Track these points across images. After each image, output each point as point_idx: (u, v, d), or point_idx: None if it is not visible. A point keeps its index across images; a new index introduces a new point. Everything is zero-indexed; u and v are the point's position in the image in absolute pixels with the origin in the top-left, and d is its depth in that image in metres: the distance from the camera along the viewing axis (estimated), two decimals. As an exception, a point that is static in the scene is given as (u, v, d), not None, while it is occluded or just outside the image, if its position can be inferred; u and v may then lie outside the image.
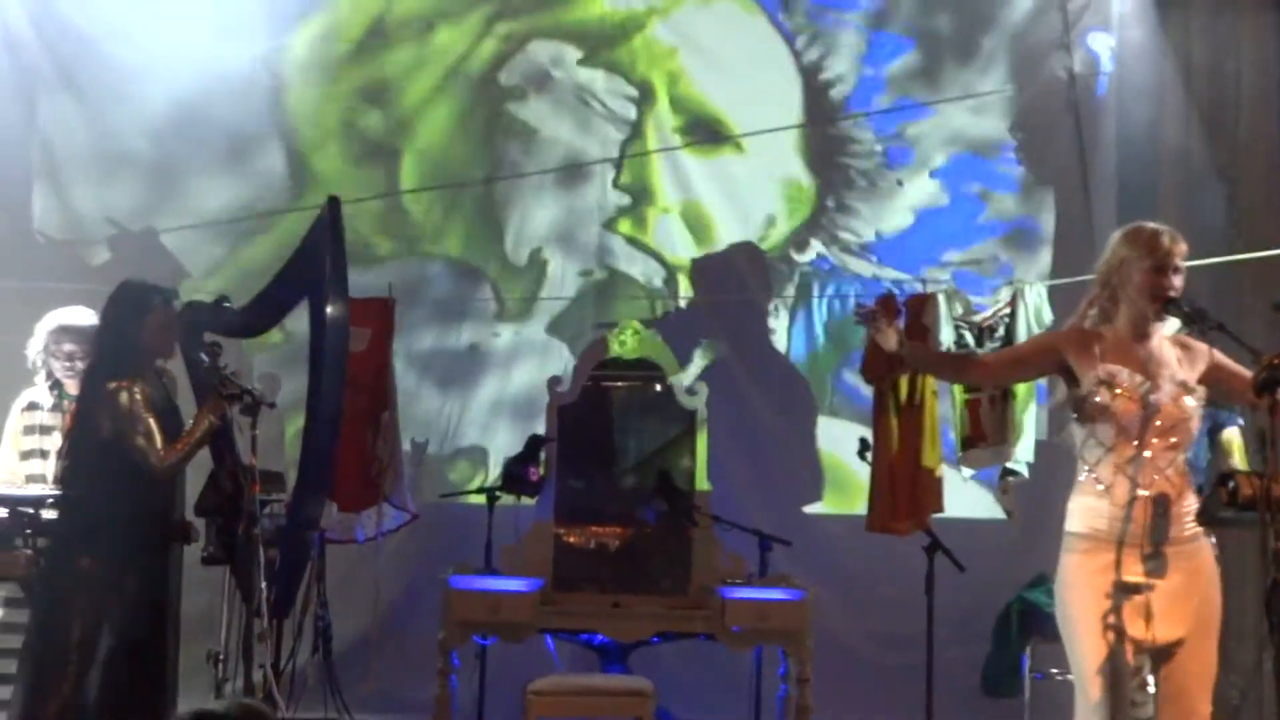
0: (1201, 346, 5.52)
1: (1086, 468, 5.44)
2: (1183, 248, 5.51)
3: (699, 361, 10.00)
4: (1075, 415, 5.48)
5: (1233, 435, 7.25)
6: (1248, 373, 5.40)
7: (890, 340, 5.52)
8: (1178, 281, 5.47)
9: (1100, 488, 5.37)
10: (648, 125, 10.52)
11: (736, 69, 10.57)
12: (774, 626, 7.82)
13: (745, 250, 10.50)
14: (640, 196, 10.50)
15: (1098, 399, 5.39)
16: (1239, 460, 7.24)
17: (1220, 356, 5.53)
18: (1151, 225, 5.58)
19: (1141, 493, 5.31)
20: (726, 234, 10.50)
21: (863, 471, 8.40)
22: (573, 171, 10.37)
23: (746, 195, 10.52)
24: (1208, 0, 9.78)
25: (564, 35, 10.56)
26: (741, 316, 10.41)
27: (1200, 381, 5.47)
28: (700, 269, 10.47)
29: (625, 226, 10.49)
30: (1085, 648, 5.34)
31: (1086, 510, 5.39)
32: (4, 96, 10.04)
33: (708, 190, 10.50)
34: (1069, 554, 5.44)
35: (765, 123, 10.24)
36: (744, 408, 9.84)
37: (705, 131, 10.46)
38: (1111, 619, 5.29)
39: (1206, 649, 5.39)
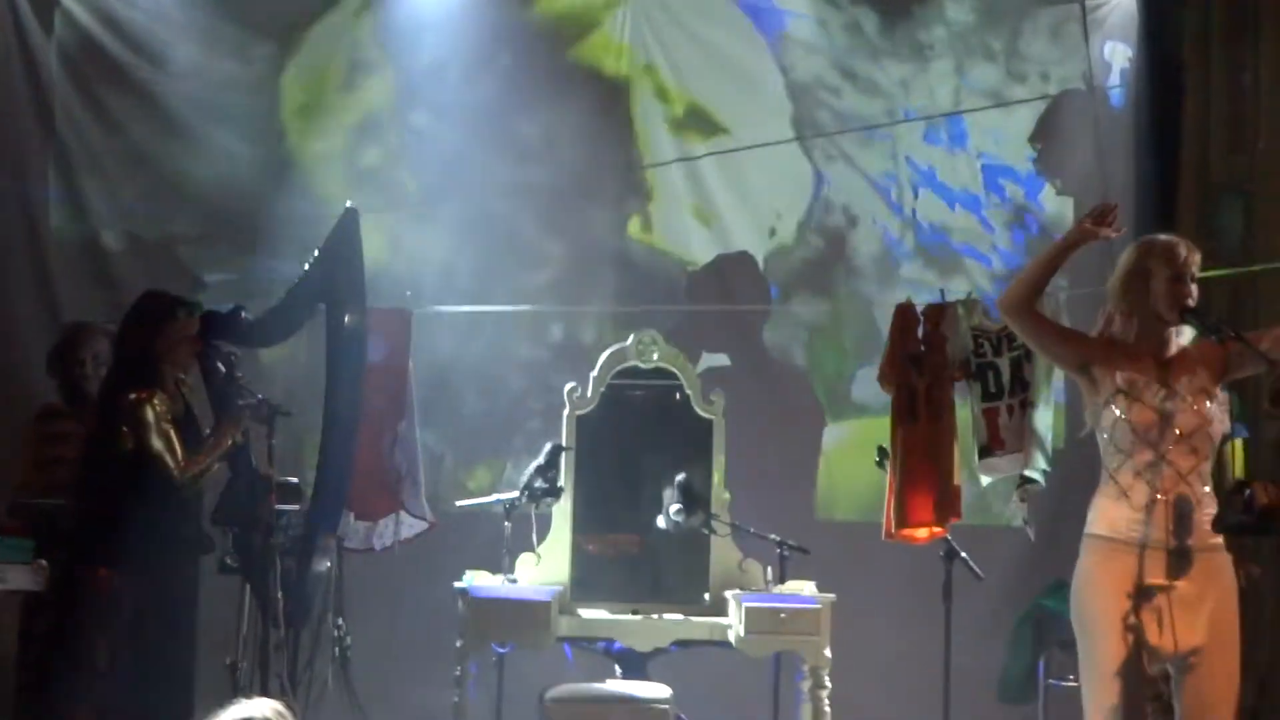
0: (1215, 348, 5.55)
1: (1106, 472, 5.46)
2: (1197, 257, 5.56)
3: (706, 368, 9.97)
4: (1094, 423, 5.50)
5: (1235, 446, 7.25)
6: (1266, 335, 5.52)
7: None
8: (1194, 290, 5.51)
9: (1119, 492, 5.39)
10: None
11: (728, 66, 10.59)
12: (792, 634, 7.82)
13: (744, 257, 10.50)
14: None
15: (1115, 409, 5.42)
16: (1239, 471, 7.25)
17: (1229, 351, 5.56)
18: (1166, 236, 5.63)
19: (1160, 497, 5.33)
20: (731, 239, 10.52)
21: (880, 480, 8.40)
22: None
23: (753, 197, 10.52)
24: (1227, 13, 9.76)
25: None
26: (746, 324, 10.39)
27: (1223, 377, 5.51)
28: (702, 276, 10.46)
29: (636, 230, 10.51)
30: (1102, 650, 5.36)
31: (1106, 513, 5.43)
32: (20, 102, 10.05)
33: (714, 191, 10.51)
34: (1088, 555, 5.48)
35: (762, 123, 10.25)
36: (756, 416, 9.83)
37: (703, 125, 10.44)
38: (1131, 620, 5.31)
39: (1227, 661, 5.40)
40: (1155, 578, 5.34)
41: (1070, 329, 5.70)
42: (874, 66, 10.56)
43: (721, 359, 10.35)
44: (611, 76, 10.48)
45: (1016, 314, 5.64)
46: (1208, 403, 5.48)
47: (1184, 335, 5.59)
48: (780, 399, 10.35)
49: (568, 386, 8.52)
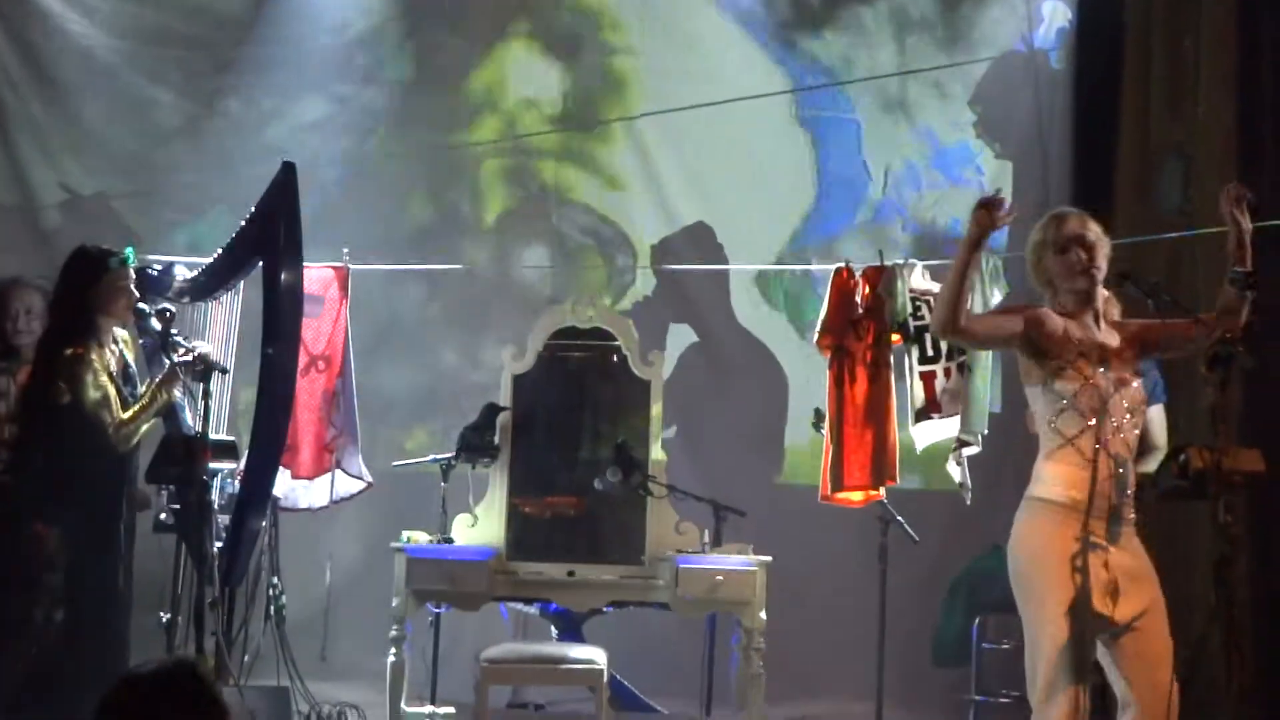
0: (1129, 322, 5.65)
1: (1057, 438, 5.48)
2: (1094, 226, 5.60)
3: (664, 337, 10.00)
4: (1045, 389, 5.52)
5: (1157, 413, 7.31)
6: (1175, 321, 5.59)
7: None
8: (1099, 260, 5.54)
9: (1082, 459, 5.42)
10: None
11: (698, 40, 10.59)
12: (727, 596, 7.82)
13: (702, 227, 10.50)
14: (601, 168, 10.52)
15: (1062, 380, 5.46)
16: (1162, 438, 7.32)
17: (1144, 321, 5.65)
18: (1060, 209, 5.72)
19: (1108, 464, 5.39)
20: (687, 211, 10.52)
21: (817, 443, 8.42)
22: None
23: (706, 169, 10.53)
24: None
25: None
26: (701, 291, 10.40)
27: (1147, 351, 5.59)
28: (662, 248, 10.47)
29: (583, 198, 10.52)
30: (1052, 600, 5.39)
31: (1066, 478, 5.45)
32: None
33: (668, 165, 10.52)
34: (1038, 519, 5.49)
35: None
36: (701, 379, 9.85)
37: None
38: (1078, 564, 5.36)
39: (1163, 624, 5.49)
40: (1100, 539, 5.40)
41: (1004, 316, 5.70)
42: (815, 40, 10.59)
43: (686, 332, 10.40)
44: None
45: (953, 332, 5.69)
46: (1136, 372, 5.56)
47: (1107, 305, 5.66)
48: (727, 362, 10.38)
49: (505, 347, 8.50)
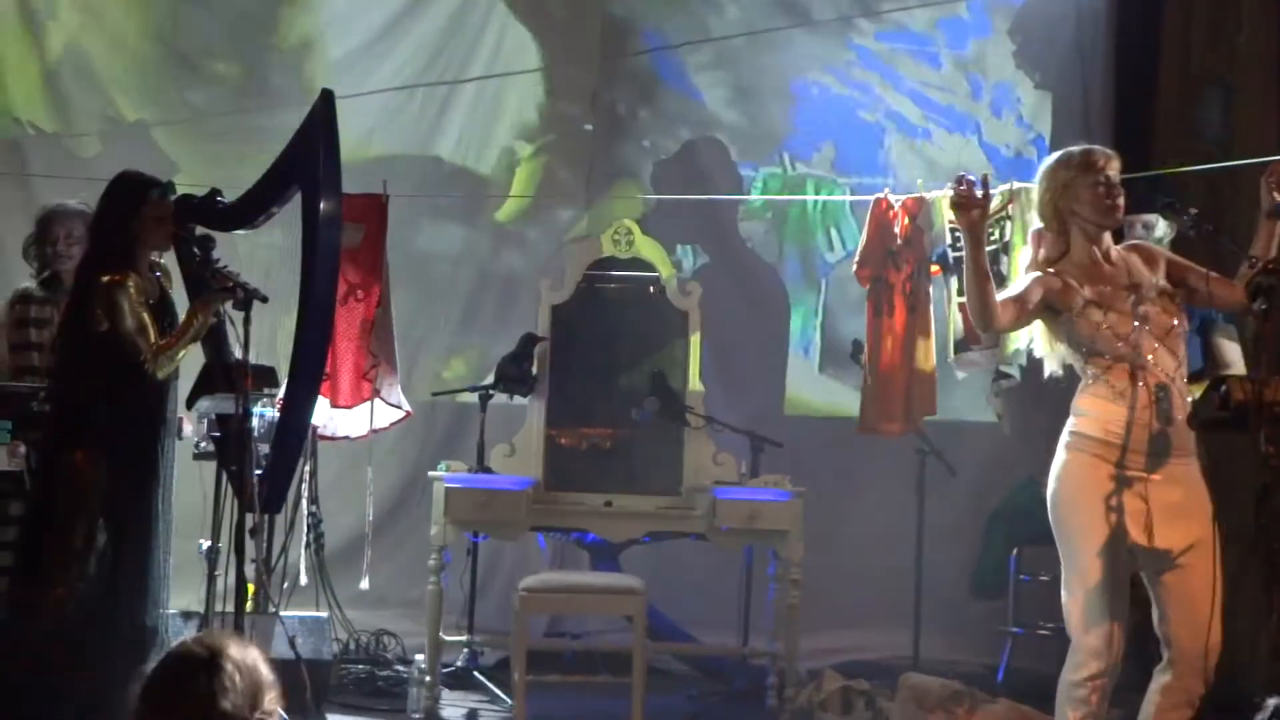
0: (1155, 249, 5.65)
1: (1095, 371, 5.47)
2: (1117, 163, 5.60)
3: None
4: (1068, 339, 5.52)
5: (1225, 334, 7.24)
6: (1201, 270, 5.56)
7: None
8: (1119, 194, 5.54)
9: (1116, 392, 5.41)
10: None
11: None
12: (764, 527, 7.84)
13: (714, 148, 10.46)
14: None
15: (1090, 317, 5.44)
16: (1231, 355, 7.23)
17: (1173, 255, 5.65)
18: (1081, 146, 5.68)
19: (1158, 396, 5.37)
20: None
21: (855, 373, 8.42)
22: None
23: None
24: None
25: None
26: (717, 217, 10.35)
27: (1172, 279, 5.57)
28: (669, 169, 10.44)
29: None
30: (1085, 533, 5.41)
31: (1100, 412, 5.44)
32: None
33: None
34: (1078, 453, 5.49)
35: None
36: (731, 309, 9.83)
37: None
38: (1114, 501, 5.36)
39: (1206, 561, 5.43)
40: (1139, 472, 5.39)
41: (1026, 292, 5.64)
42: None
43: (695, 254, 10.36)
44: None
45: (995, 328, 5.70)
46: (1172, 302, 5.54)
47: (1159, 230, 5.64)
48: (752, 291, 10.34)
49: (543, 277, 8.50)
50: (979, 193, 5.45)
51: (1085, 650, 5.42)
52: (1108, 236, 5.60)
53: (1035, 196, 5.72)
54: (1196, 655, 5.41)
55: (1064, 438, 5.57)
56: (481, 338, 9.97)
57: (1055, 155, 5.70)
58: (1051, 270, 5.57)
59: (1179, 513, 5.43)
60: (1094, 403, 5.49)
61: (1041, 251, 5.64)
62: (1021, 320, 5.67)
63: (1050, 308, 5.54)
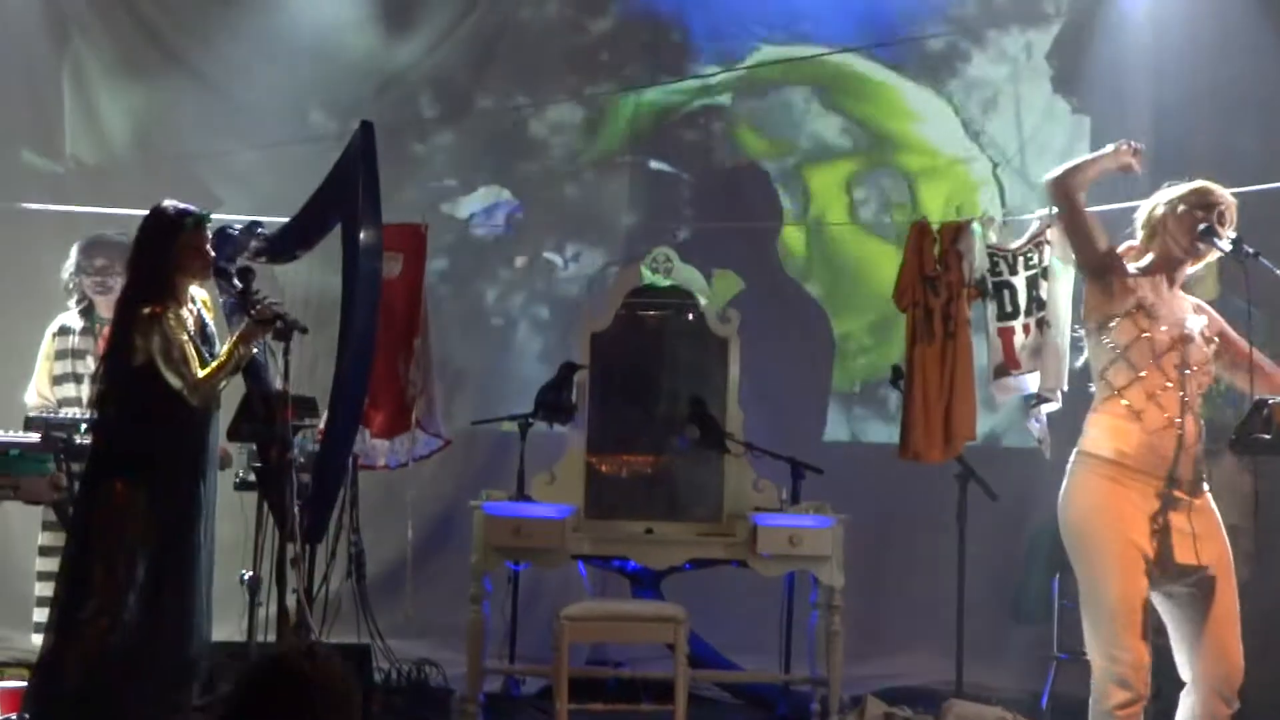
0: (1210, 311, 5.64)
1: (1110, 390, 5.46)
2: (1232, 213, 5.61)
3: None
4: (1105, 334, 5.50)
5: None
6: (1244, 344, 5.59)
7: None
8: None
9: (1130, 411, 5.39)
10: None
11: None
12: (805, 553, 7.83)
13: (751, 173, 10.48)
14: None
15: (1134, 324, 5.43)
16: None
17: (1225, 324, 5.64)
18: (1204, 183, 5.62)
19: (1171, 422, 5.36)
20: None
21: (894, 400, 8.40)
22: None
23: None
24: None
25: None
26: (753, 243, 10.34)
27: (1217, 333, 5.59)
28: (705, 192, 10.46)
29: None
30: (1100, 556, 5.41)
31: (1111, 430, 5.42)
32: (34, 24, 10.00)
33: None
34: (1085, 475, 5.48)
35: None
36: (768, 336, 9.82)
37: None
38: (1128, 523, 5.38)
39: (1229, 584, 5.46)
40: (1152, 496, 5.37)
41: (1102, 232, 5.66)
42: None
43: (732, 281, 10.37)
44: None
45: (1060, 190, 5.66)
46: (1208, 345, 5.52)
47: (1181, 278, 5.66)
48: (793, 317, 10.34)
49: (582, 305, 8.52)
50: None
51: (1109, 678, 5.38)
52: (1182, 275, 5.60)
53: (1144, 206, 5.71)
54: (1220, 679, 5.39)
55: (1073, 457, 5.56)
56: (521, 366, 9.97)
57: (1187, 186, 5.63)
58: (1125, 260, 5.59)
59: (1195, 535, 5.41)
60: (1102, 419, 5.49)
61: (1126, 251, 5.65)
62: (1084, 215, 5.66)
63: (1106, 282, 5.52)
